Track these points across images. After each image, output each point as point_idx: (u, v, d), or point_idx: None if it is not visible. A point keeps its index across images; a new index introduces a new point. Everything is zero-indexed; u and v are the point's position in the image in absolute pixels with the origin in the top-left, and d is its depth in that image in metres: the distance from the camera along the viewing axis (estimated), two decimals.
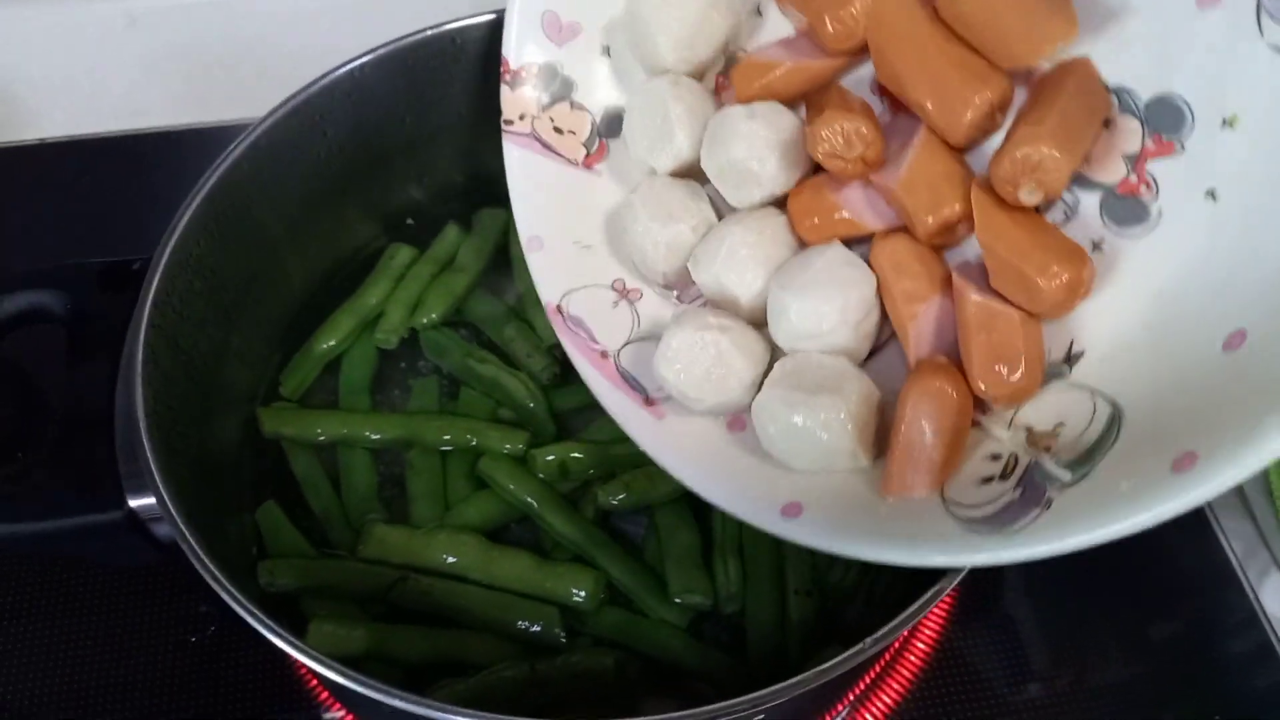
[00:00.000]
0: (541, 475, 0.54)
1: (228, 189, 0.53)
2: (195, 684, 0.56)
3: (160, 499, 0.43)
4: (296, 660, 0.53)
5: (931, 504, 0.40)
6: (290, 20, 0.86)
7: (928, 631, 0.59)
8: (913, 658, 0.58)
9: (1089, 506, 0.36)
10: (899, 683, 0.57)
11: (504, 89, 0.54)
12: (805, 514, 0.43)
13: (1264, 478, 0.64)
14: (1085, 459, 0.38)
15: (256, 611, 0.41)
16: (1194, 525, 0.63)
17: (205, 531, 0.44)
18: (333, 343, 0.60)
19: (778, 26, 0.51)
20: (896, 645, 0.58)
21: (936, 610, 0.59)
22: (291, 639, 0.40)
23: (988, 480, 0.40)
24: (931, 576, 0.42)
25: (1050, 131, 0.39)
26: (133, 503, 0.44)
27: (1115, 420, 0.38)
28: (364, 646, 0.49)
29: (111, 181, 0.76)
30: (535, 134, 0.54)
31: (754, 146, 0.47)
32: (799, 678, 0.38)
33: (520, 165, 0.54)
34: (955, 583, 0.41)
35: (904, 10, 0.43)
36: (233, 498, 0.54)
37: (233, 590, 0.41)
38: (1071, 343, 0.42)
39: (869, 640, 0.39)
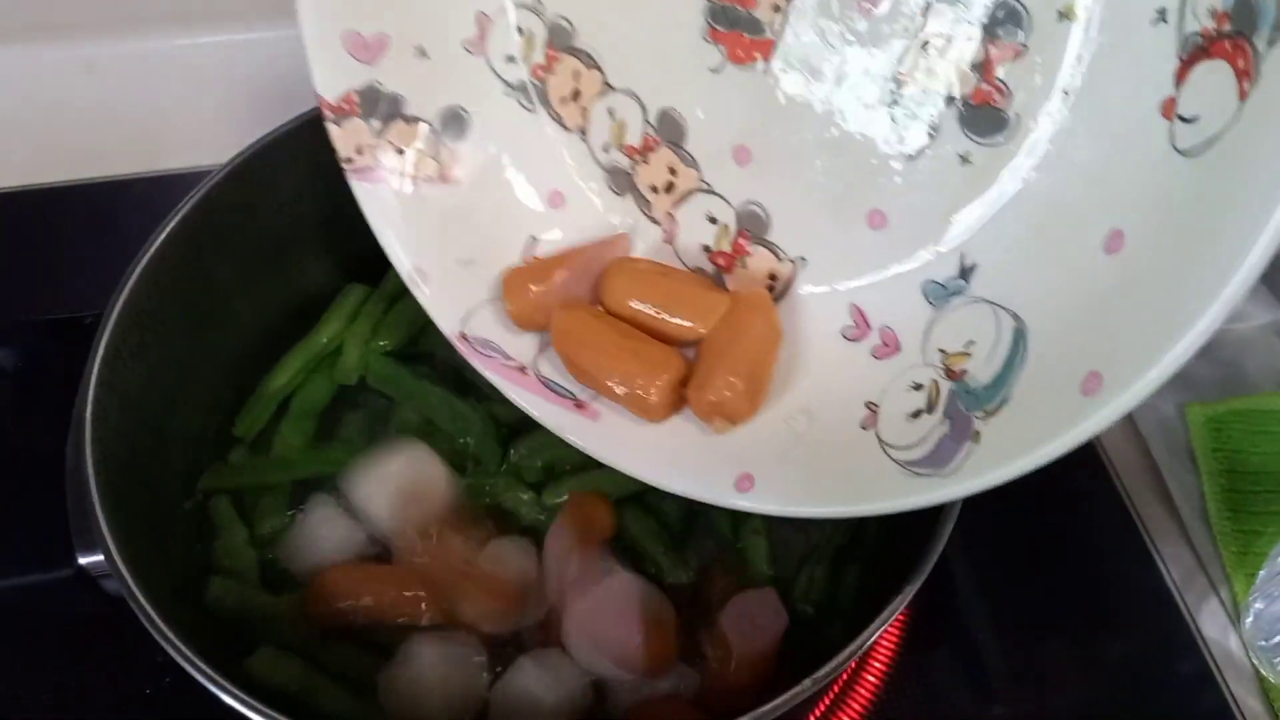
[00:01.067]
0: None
1: (179, 242, 0.53)
2: None
3: (109, 556, 0.43)
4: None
5: (871, 452, 0.42)
6: (248, 69, 0.87)
7: (882, 655, 0.60)
8: (870, 677, 0.59)
9: (1014, 435, 0.38)
10: (857, 706, 0.58)
11: (330, 128, 0.51)
12: (758, 484, 0.44)
13: (1200, 504, 0.66)
14: (999, 381, 0.39)
15: (207, 670, 0.41)
16: (1134, 549, 0.65)
17: (154, 583, 0.45)
18: (283, 381, 0.61)
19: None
20: (851, 669, 0.59)
21: (889, 636, 0.61)
22: (235, 691, 0.40)
23: (916, 415, 0.42)
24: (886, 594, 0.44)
25: (725, 379, 0.46)
26: (82, 560, 0.44)
27: (1020, 336, 0.40)
28: (298, 680, 0.49)
29: (65, 231, 0.76)
30: (379, 164, 0.52)
31: None
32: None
33: (376, 201, 0.52)
34: (898, 610, 0.42)
35: (580, 319, 0.50)
36: (183, 543, 0.54)
37: (184, 650, 0.41)
38: (962, 255, 0.43)
39: (808, 681, 0.40)
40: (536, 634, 0.53)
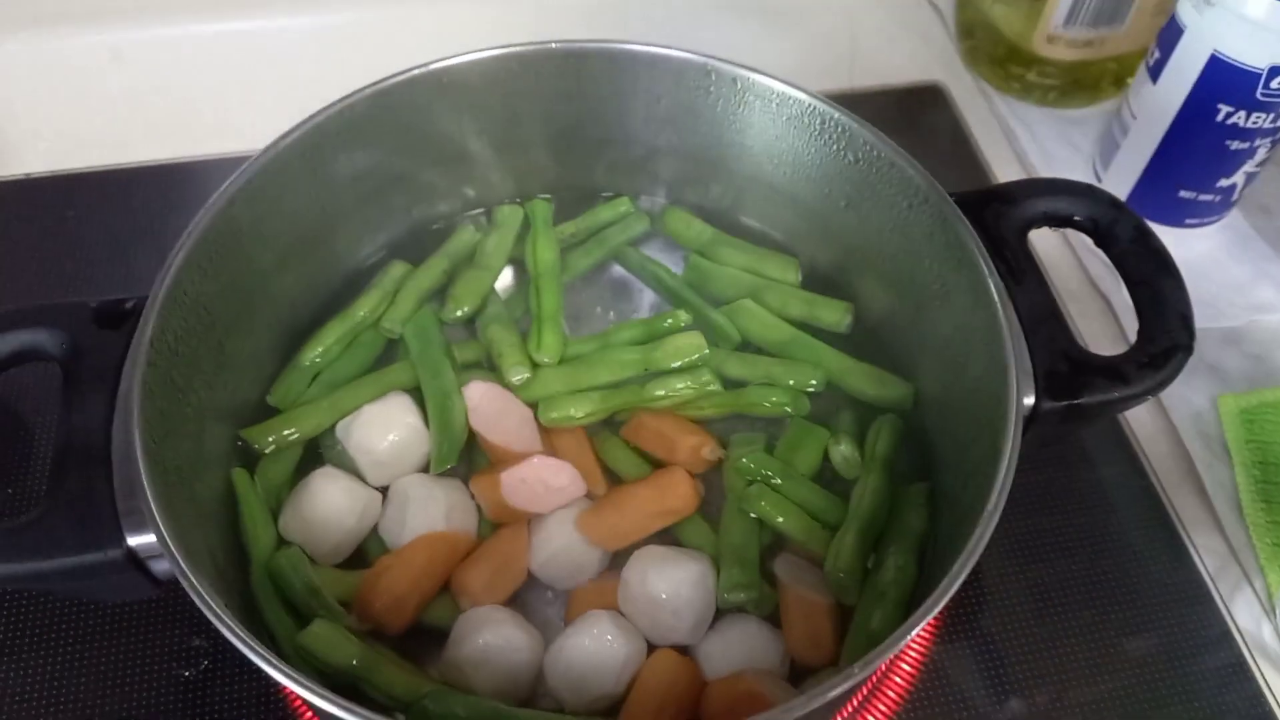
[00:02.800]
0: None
1: (219, 227, 0.53)
2: (185, 718, 0.56)
3: (160, 536, 0.43)
4: (290, 693, 0.54)
5: None
6: (275, 55, 0.87)
7: (912, 654, 0.60)
8: (898, 680, 0.59)
9: None
10: (885, 705, 0.58)
11: None
12: None
13: (1234, 496, 0.66)
14: None
15: (257, 647, 0.41)
16: (1166, 541, 0.65)
17: (201, 563, 0.45)
18: (319, 351, 0.61)
19: None
20: (881, 670, 0.59)
21: (921, 635, 0.61)
22: (284, 668, 0.41)
23: None
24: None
25: None
26: (131, 541, 0.44)
27: None
28: (352, 659, 0.49)
29: (96, 217, 0.76)
30: None
31: None
32: (783, 708, 0.39)
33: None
34: (935, 611, 0.42)
35: None
36: (224, 524, 0.54)
37: (235, 627, 0.41)
38: None
39: (839, 676, 0.40)
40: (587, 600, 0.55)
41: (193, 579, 0.42)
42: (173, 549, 0.43)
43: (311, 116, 0.57)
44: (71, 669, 0.57)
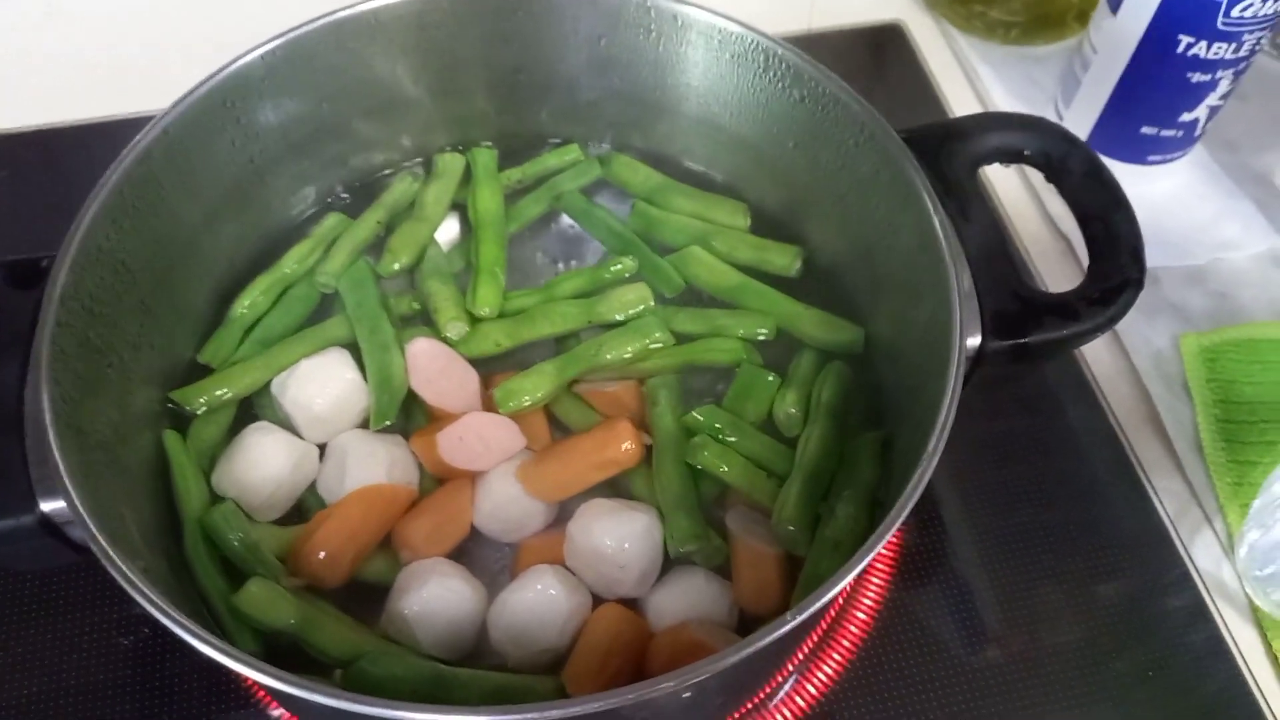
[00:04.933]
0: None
1: (137, 180, 0.51)
2: (131, 689, 0.55)
3: (70, 502, 0.42)
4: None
5: None
6: (211, 7, 0.84)
7: (867, 602, 0.59)
8: (860, 615, 0.59)
9: None
10: (846, 645, 0.58)
11: None
12: None
13: (1194, 436, 0.65)
14: None
15: (177, 615, 0.40)
16: (1128, 485, 0.64)
17: (120, 530, 0.44)
18: (247, 303, 0.59)
19: None
20: (838, 607, 0.59)
21: (879, 574, 0.60)
22: (212, 640, 0.39)
23: None
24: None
25: None
26: (45, 506, 0.43)
27: None
28: (289, 618, 0.48)
29: (29, 177, 0.74)
30: None
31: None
32: (716, 656, 0.38)
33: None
34: (871, 556, 0.41)
35: None
36: (152, 490, 0.53)
37: (151, 596, 0.40)
38: None
39: (775, 623, 0.39)
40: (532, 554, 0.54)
41: (102, 542, 0.40)
42: (82, 513, 0.41)
43: (228, 64, 0.54)
44: (3, 645, 0.56)
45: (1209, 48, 0.67)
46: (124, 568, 0.40)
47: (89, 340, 0.48)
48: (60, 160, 0.75)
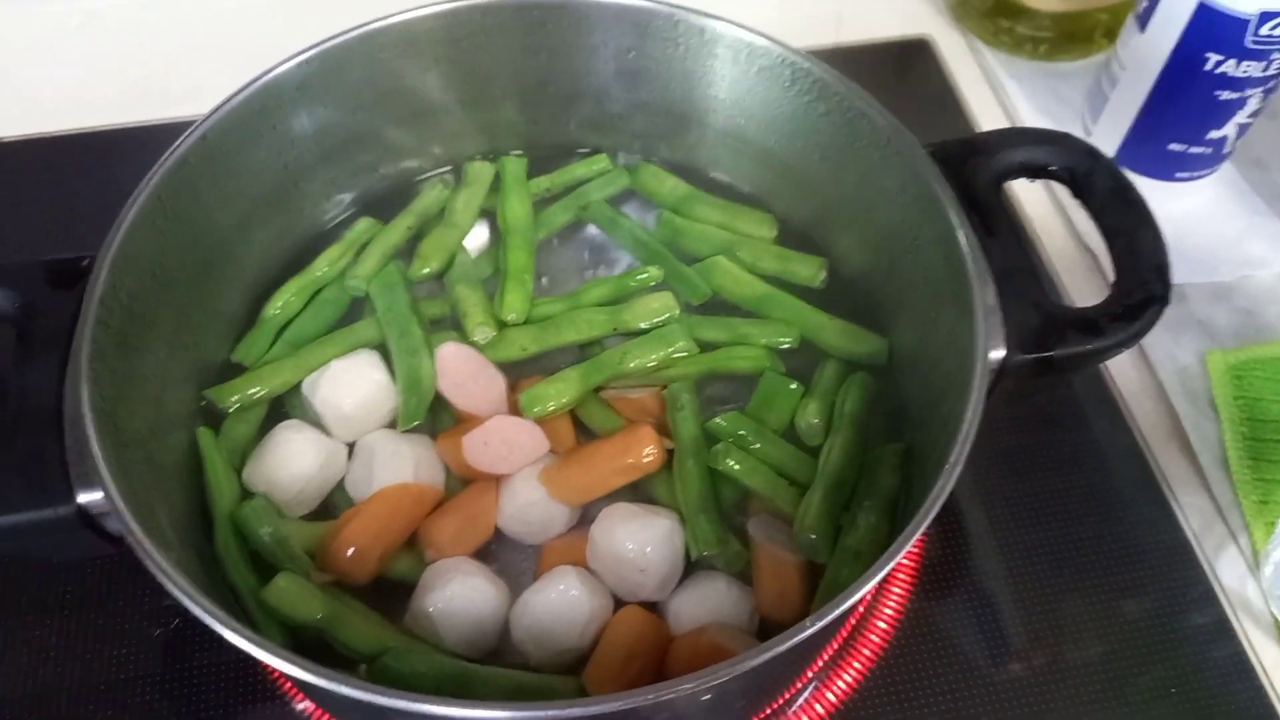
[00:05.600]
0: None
1: (174, 184, 0.52)
2: (161, 679, 0.56)
3: (107, 493, 0.43)
4: None
5: None
6: (246, 16, 0.86)
7: (888, 612, 0.59)
8: (882, 625, 0.59)
9: None
10: (867, 654, 0.58)
11: None
12: None
13: (1220, 453, 0.65)
14: None
15: (208, 605, 0.41)
16: (1152, 500, 0.64)
17: (154, 523, 0.45)
18: (279, 305, 0.60)
19: None
20: (858, 615, 0.59)
21: (900, 584, 0.60)
22: (244, 631, 0.40)
23: None
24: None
25: None
26: (82, 498, 0.44)
27: None
28: (316, 613, 0.49)
29: (66, 180, 0.76)
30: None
31: None
32: (735, 660, 0.38)
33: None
34: (892, 564, 0.41)
35: None
36: (185, 485, 0.54)
37: (184, 585, 0.41)
38: None
39: (794, 629, 0.39)
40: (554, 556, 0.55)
41: (137, 532, 0.41)
42: (119, 504, 0.42)
43: (265, 73, 0.56)
44: (34, 635, 0.57)
45: (1238, 65, 0.67)
46: (157, 558, 0.41)
47: (127, 339, 0.49)
48: (98, 164, 0.77)
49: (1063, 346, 0.50)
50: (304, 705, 0.55)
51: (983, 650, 0.58)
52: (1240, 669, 0.58)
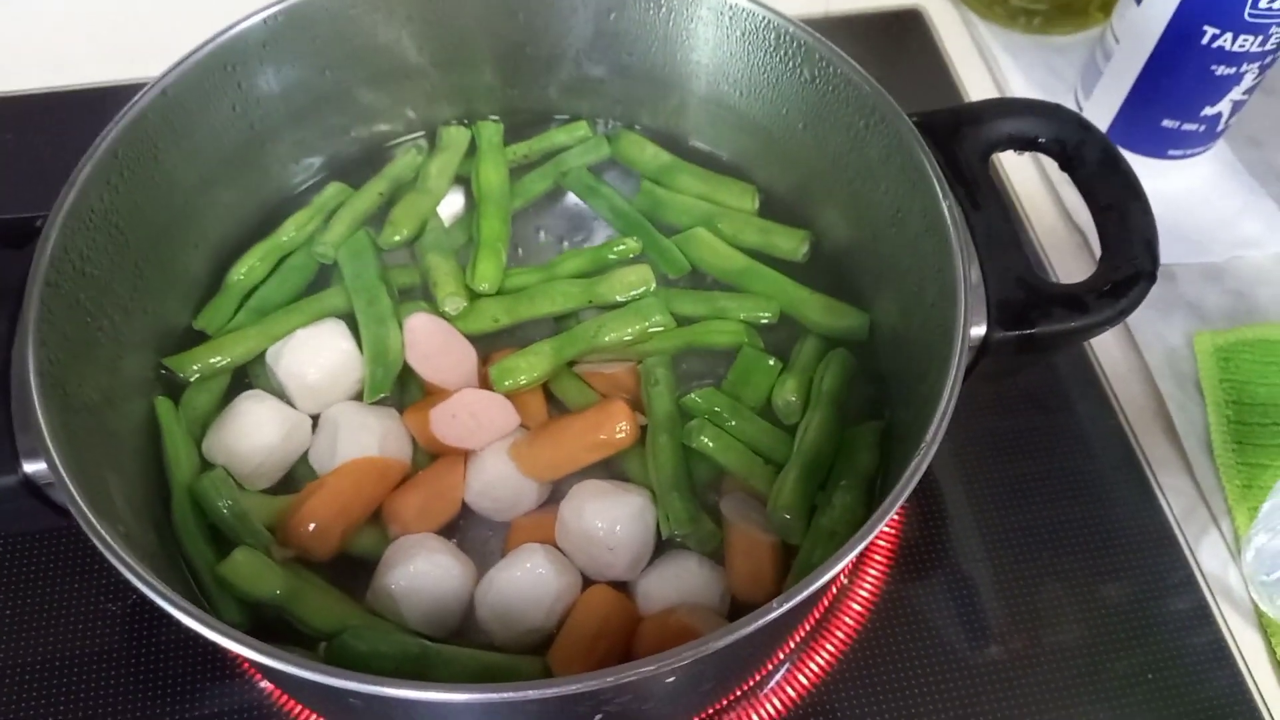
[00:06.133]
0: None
1: (132, 140, 0.51)
2: (119, 657, 0.54)
3: (51, 463, 0.41)
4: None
5: None
6: None
7: (867, 586, 0.58)
8: (856, 606, 0.58)
9: None
10: (841, 636, 0.57)
11: None
12: None
13: (1205, 436, 0.64)
14: None
15: (153, 580, 0.39)
16: (1135, 484, 0.63)
17: (103, 496, 0.43)
18: (243, 271, 0.58)
19: None
20: (832, 595, 0.58)
21: (876, 564, 0.59)
22: (189, 608, 0.39)
23: None
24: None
25: None
26: (27, 468, 0.42)
27: None
28: (274, 589, 0.48)
29: (26, 141, 0.74)
30: None
31: None
32: (698, 642, 0.37)
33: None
34: (864, 544, 0.40)
35: None
36: (142, 459, 0.52)
37: (127, 559, 0.39)
38: None
39: (760, 610, 0.38)
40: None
41: (81, 504, 0.40)
42: (63, 475, 0.41)
43: (229, 27, 0.54)
44: None
45: (1235, 40, 0.65)
46: (102, 531, 0.40)
47: (79, 302, 0.48)
48: (61, 124, 0.75)
49: (1047, 323, 0.48)
50: (266, 684, 0.54)
51: (960, 633, 0.57)
52: (1219, 655, 0.57)
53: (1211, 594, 0.59)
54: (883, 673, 0.56)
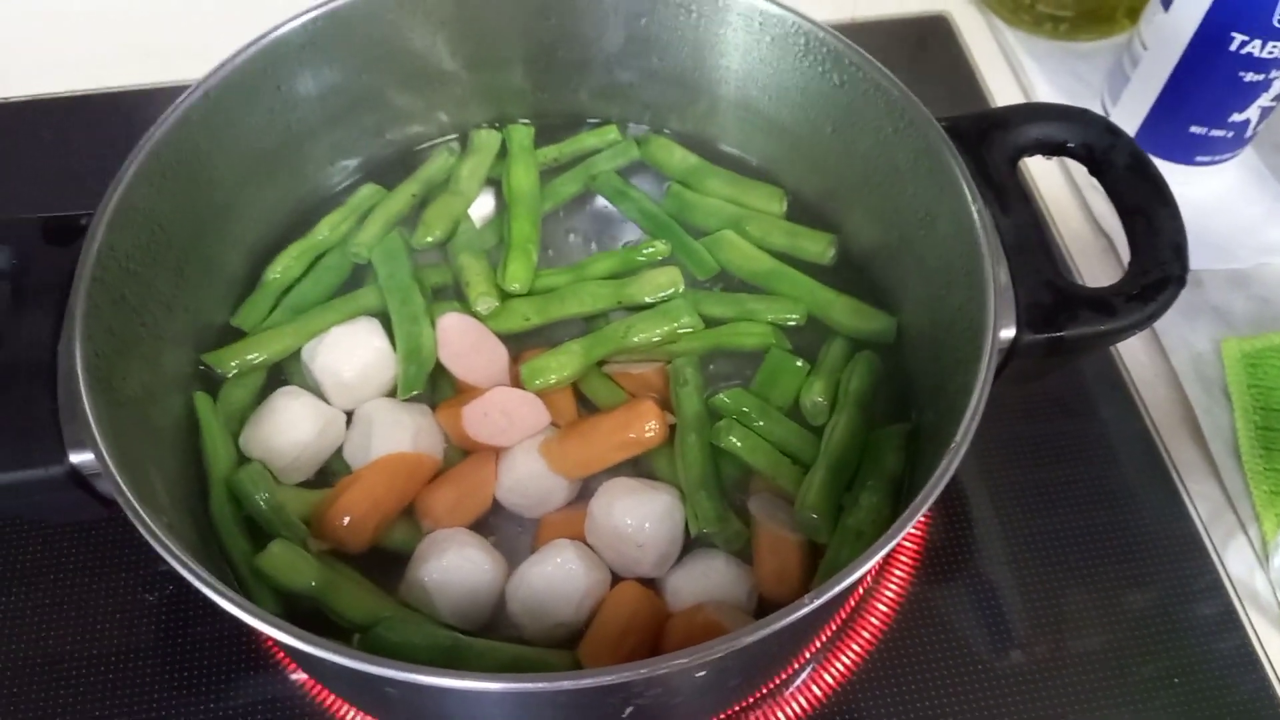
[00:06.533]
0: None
1: (175, 142, 0.52)
2: (154, 648, 0.55)
3: (99, 454, 0.42)
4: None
5: None
6: None
7: (892, 588, 0.59)
8: (882, 607, 0.58)
9: None
10: (866, 637, 0.57)
11: None
12: None
13: (1232, 441, 0.64)
14: None
15: (199, 570, 0.40)
16: (1162, 489, 0.63)
17: (147, 486, 0.44)
18: (279, 269, 0.59)
19: None
20: (855, 600, 0.58)
21: (902, 566, 0.59)
22: (235, 597, 0.39)
23: None
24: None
25: None
26: (74, 458, 0.43)
27: None
28: (310, 581, 0.48)
29: (70, 142, 0.75)
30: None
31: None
32: (730, 636, 0.38)
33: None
34: (893, 544, 0.41)
35: None
36: (183, 451, 0.53)
37: (174, 550, 0.40)
38: None
39: (788, 607, 0.39)
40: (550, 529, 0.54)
41: (128, 494, 0.41)
42: (110, 466, 0.42)
43: (269, 31, 0.55)
44: (26, 601, 0.56)
45: (1263, 46, 0.65)
46: (148, 520, 0.41)
47: (124, 298, 0.49)
48: (102, 124, 0.76)
49: (1075, 327, 0.49)
50: (299, 676, 0.55)
51: (984, 637, 0.57)
52: (1246, 660, 0.57)
53: (1238, 599, 0.59)
54: (906, 676, 0.56)
